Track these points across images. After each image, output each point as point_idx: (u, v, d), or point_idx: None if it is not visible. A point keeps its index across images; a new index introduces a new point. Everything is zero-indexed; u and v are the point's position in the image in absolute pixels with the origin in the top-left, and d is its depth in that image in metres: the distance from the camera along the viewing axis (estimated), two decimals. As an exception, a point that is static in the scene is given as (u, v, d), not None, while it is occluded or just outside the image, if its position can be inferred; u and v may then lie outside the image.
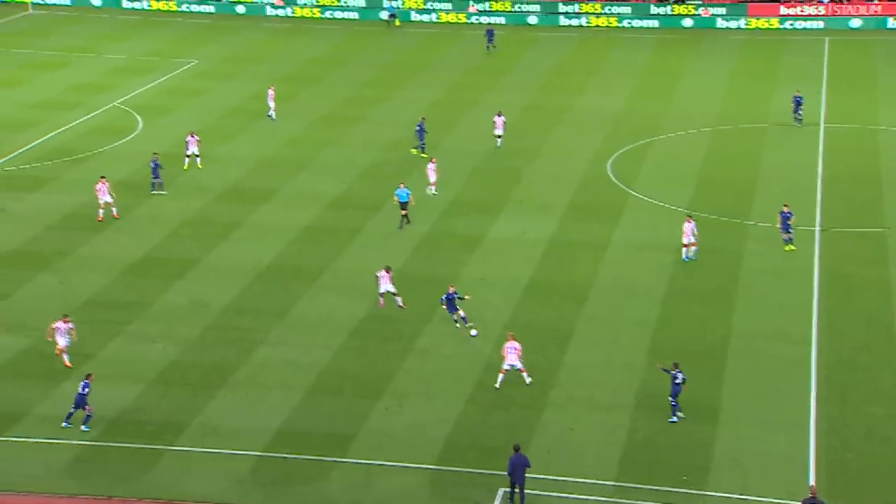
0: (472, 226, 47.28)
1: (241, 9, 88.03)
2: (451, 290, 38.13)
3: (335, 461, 31.71)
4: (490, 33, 78.14)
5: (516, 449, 30.03)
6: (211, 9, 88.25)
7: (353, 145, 57.93)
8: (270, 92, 61.90)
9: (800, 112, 59.09)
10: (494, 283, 42.03)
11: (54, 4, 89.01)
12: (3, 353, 36.96)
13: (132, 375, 35.84)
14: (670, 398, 33.16)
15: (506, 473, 30.03)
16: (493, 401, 34.51)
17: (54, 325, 36.04)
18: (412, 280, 42.04)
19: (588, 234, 46.39)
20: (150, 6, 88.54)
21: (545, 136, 58.80)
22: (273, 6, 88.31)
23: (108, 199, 47.05)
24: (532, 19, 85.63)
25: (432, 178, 50.07)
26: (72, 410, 32.97)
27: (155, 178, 50.22)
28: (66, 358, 36.02)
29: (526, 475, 29.82)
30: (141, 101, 64.88)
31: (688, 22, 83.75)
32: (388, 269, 39.79)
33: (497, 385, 34.82)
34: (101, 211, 47.02)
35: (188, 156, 53.41)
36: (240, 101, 64.63)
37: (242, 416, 33.80)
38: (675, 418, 33.14)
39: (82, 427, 32.78)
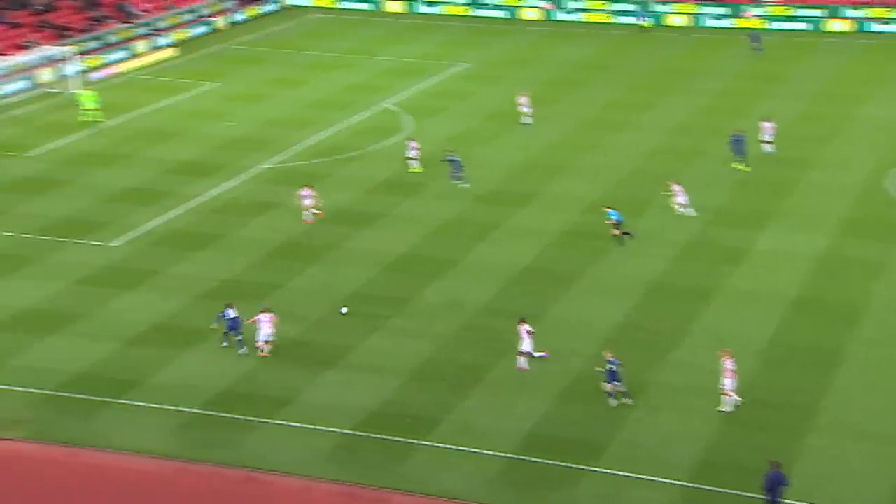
0: (737, 237, 45.68)
1: (530, 13, 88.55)
2: (610, 357, 34.05)
3: (585, 469, 31.21)
4: (755, 36, 75.68)
5: (775, 465, 28.62)
6: (493, 13, 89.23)
7: (615, 150, 57.17)
8: (523, 98, 61.94)
9: None
10: (758, 298, 40.38)
11: (347, 9, 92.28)
12: (275, 340, 38.38)
13: (391, 369, 36.53)
14: None
15: (763, 498, 28.68)
16: (752, 421, 33.10)
17: (257, 318, 36.96)
18: (671, 290, 40.93)
19: (863, 251, 43.91)
20: (445, 10, 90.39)
21: (820, 147, 56.20)
22: (547, 12, 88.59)
23: (309, 202, 47.67)
24: (802, 25, 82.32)
25: (681, 198, 48.40)
26: (227, 332, 36.75)
27: (455, 171, 51.88)
28: (265, 348, 37.02)
29: (782, 498, 28.38)
30: (411, 103, 66.32)
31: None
32: (522, 321, 36.76)
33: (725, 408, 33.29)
34: (306, 214, 47.58)
35: (410, 158, 54.07)
36: (505, 105, 65.01)
37: (495, 416, 33.78)
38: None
39: (240, 350, 36.40)
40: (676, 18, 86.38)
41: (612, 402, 33.82)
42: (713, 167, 53.13)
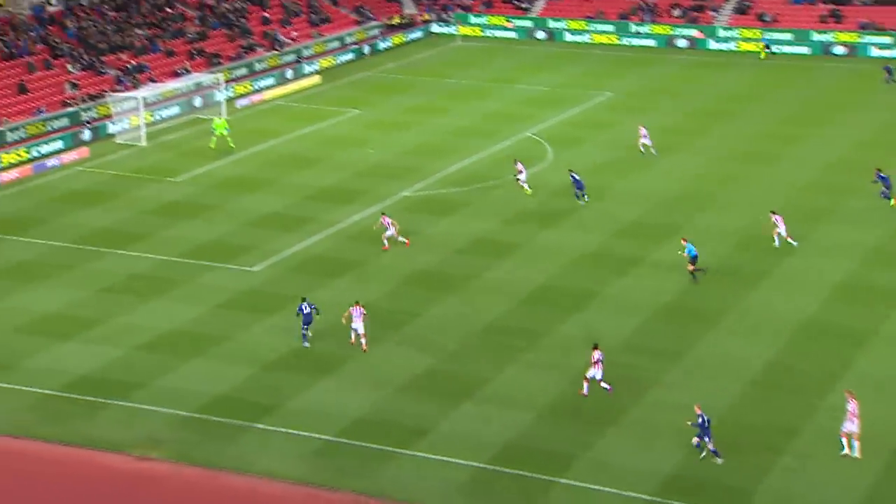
0: (891, 278, 43.86)
1: (681, 42, 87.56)
2: (699, 412, 32.42)
3: (725, 515, 30.19)
4: (889, 70, 73.71)
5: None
6: (651, 43, 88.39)
7: (763, 184, 55.71)
8: (642, 130, 60.82)
9: None
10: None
11: (492, 37, 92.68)
12: (409, 369, 38.36)
13: (526, 402, 36.05)
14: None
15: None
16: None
17: (350, 311, 39.14)
18: (820, 331, 39.46)
19: None
20: (591, 39, 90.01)
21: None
22: (698, 41, 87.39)
23: (391, 231, 47.70)
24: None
25: (781, 229, 47.13)
26: (304, 331, 38.96)
27: (578, 189, 52.68)
28: (363, 342, 39.08)
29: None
30: (552, 132, 65.95)
31: None
32: (595, 348, 36.60)
33: None
34: (385, 240, 47.85)
35: (520, 180, 54.50)
36: (649, 135, 64.09)
37: (632, 455, 32.98)
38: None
39: (304, 343, 38.91)
40: (838, 48, 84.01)
41: (702, 454, 32.57)
42: (866, 203, 51.20)
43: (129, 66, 73.42)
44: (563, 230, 50.47)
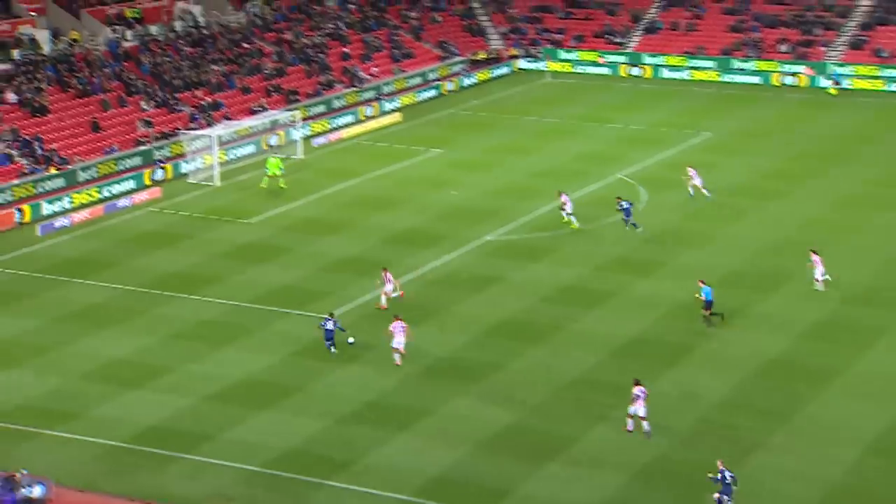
0: None
1: (787, 80, 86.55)
2: (722, 467, 32.33)
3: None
4: None
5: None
6: (756, 80, 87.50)
7: (881, 231, 54.53)
8: (691, 171, 60.04)
9: None
10: None
11: (583, 73, 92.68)
12: (490, 425, 37.99)
13: (616, 464, 35.41)
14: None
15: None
16: None
17: (391, 327, 41.30)
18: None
19: None
20: (690, 76, 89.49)
21: None
22: (811, 78, 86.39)
23: (389, 288, 46.97)
24: None
25: (818, 271, 46.79)
26: (328, 345, 42.15)
27: (626, 217, 54.47)
28: (396, 357, 41.11)
29: None
30: (646, 174, 65.45)
31: None
32: (637, 383, 36.75)
33: None
34: (383, 298, 46.88)
35: (565, 212, 55.53)
36: (751, 179, 63.28)
37: (731, 524, 32.21)
38: None
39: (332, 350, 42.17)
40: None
41: None
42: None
43: (203, 103, 74.72)
44: (656, 279, 49.85)
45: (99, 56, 76.10)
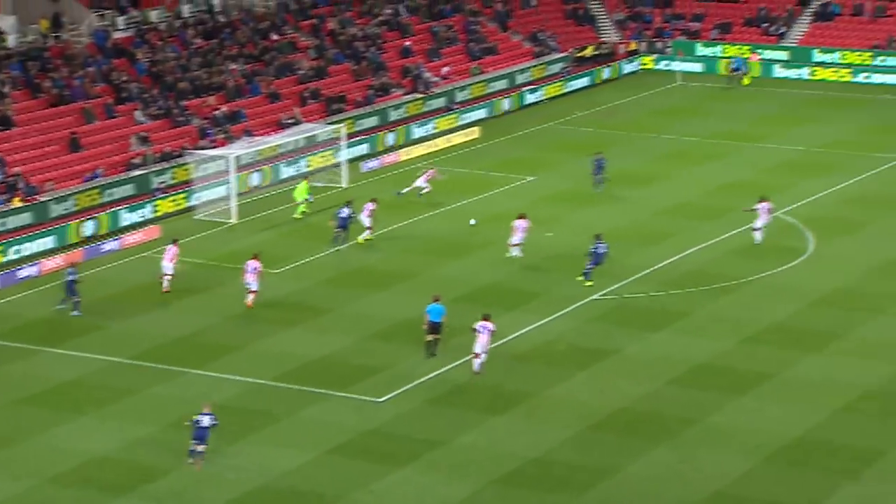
0: None
1: None
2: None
3: None
4: None
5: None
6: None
7: None
8: (762, 205, 60.45)
9: None
10: None
11: (725, 73, 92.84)
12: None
13: None
14: None
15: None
16: None
17: (476, 326, 47.31)
18: None
19: None
20: (875, 78, 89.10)
21: None
22: None
23: (170, 269, 51.64)
24: None
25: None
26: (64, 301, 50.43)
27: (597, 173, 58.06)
28: (476, 364, 47.33)
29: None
30: (814, 212, 65.17)
31: None
32: None
33: None
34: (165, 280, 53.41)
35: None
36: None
37: None
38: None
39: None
40: None
41: None
42: None
43: (218, 113, 75.60)
44: (827, 356, 49.58)
45: (82, 50, 77.30)
